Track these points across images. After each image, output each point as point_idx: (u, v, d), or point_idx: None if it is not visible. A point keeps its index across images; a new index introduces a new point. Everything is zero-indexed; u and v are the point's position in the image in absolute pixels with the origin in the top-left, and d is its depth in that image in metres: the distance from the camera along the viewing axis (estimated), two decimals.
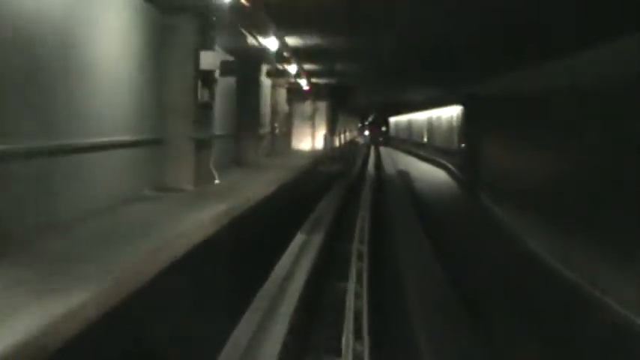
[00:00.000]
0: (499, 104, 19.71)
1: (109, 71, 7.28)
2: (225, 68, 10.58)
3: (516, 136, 17.12)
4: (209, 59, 9.50)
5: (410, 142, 44.74)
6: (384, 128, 69.19)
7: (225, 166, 13.80)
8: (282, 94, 23.53)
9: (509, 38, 12.13)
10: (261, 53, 13.85)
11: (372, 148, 50.05)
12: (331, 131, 25.81)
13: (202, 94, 9.67)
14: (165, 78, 9.16)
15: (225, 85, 14.31)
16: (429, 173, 28.39)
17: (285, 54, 13.52)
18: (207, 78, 9.77)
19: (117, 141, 7.49)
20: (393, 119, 61.32)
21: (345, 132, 37.43)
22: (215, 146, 12.35)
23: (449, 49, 14.64)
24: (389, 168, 30.63)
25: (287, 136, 23.98)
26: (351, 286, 6.66)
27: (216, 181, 10.40)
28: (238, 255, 7.17)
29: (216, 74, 10.39)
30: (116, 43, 7.55)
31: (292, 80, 22.35)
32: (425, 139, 37.87)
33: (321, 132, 24.16)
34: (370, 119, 71.73)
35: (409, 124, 45.86)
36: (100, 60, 7.03)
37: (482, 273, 10.14)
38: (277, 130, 22.85)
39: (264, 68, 17.52)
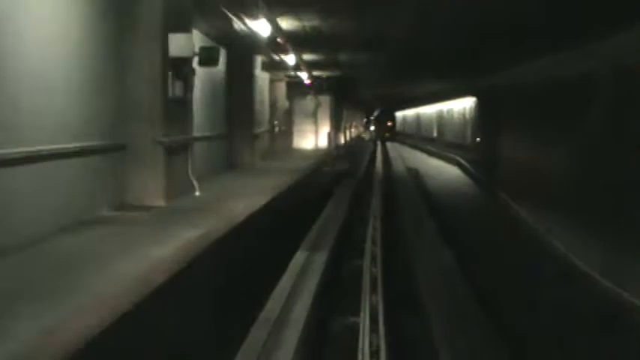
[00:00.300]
0: (519, 93, 17.89)
1: (39, 61, 5.49)
2: (205, 56, 8.77)
3: (540, 127, 15.30)
4: (181, 43, 7.67)
5: (418, 137, 42.86)
6: (390, 123, 67.35)
7: (215, 171, 12.03)
8: (282, 88, 21.72)
9: (532, 21, 10.39)
10: (252, 41, 12.05)
11: (379, 144, 48.24)
12: (335, 128, 23.96)
13: (174, 88, 7.87)
14: (126, 68, 7.35)
15: (212, 78, 12.53)
16: (441, 170, 26.51)
17: (278, 40, 11.67)
18: (180, 68, 7.96)
19: (53, 150, 5.70)
20: (400, 113, 59.45)
21: (350, 128, 35.58)
22: (201, 149, 10.60)
23: (464, 35, 12.83)
24: (398, 165, 28.77)
25: (287, 134, 22.18)
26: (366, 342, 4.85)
27: (197, 193, 8.61)
28: (208, 306, 5.37)
29: (195, 64, 8.61)
30: (50, 23, 5.74)
31: (292, 73, 20.53)
32: (435, 134, 35.99)
33: (325, 129, 22.33)
34: (376, 114, 69.88)
35: (417, 119, 43.98)
36: (26, 47, 5.24)
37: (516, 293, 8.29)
38: (277, 129, 21.08)
39: (259, 59, 15.69)
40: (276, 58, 15.67)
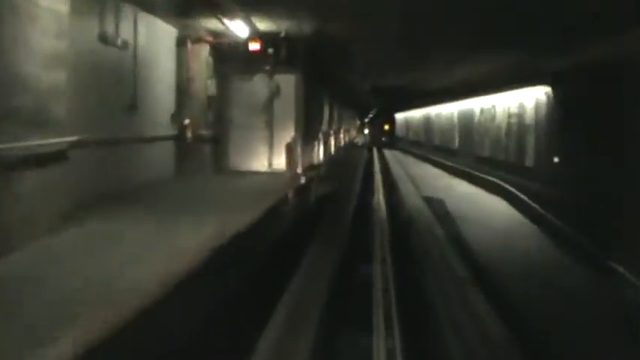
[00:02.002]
0: None
1: None
2: None
3: None
4: None
5: (429, 147, 32.63)
6: (387, 126, 57.53)
7: None
8: (201, 58, 11.52)
9: None
10: None
11: (375, 153, 38.18)
12: (307, 133, 13.65)
13: None
14: None
15: None
16: (479, 204, 16.25)
17: None
18: None
19: None
20: (401, 115, 49.28)
21: (338, 133, 25.18)
22: None
23: None
24: (407, 191, 18.49)
25: (217, 144, 11.96)
26: None
27: None
28: None
29: None
30: None
31: (219, 26, 10.38)
32: (456, 144, 25.77)
33: (288, 134, 11.92)
34: (371, 115, 59.80)
35: (427, 122, 33.74)
36: None
37: None
38: (188, 134, 10.88)
39: None
40: None
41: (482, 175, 19.73)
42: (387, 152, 42.01)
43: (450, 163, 25.16)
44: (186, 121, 10.78)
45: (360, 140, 58.27)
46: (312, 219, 10.68)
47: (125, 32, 8.56)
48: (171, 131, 10.64)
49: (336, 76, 18.54)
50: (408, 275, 8.29)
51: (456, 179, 22.15)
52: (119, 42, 8.17)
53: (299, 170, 12.05)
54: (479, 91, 20.35)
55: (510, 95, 17.44)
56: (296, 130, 12.33)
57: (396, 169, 25.98)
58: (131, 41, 8.77)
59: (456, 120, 25.64)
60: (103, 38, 7.73)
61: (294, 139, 11.49)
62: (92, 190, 7.27)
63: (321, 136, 15.69)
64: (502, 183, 17.24)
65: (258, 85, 12.30)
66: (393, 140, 52.15)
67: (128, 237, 5.83)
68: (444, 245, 10.65)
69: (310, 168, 13.75)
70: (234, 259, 6.18)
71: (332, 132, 19.40)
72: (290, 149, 10.75)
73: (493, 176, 18.66)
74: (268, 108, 12.36)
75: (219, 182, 10.88)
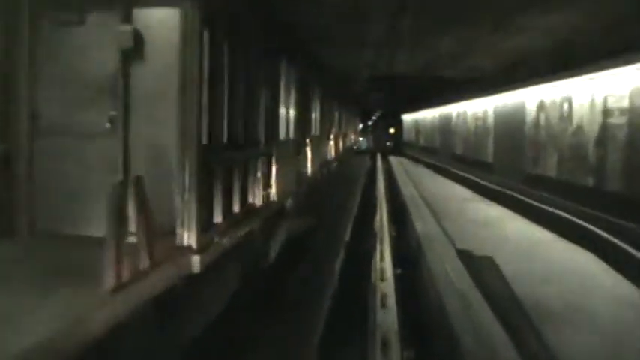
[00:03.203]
0: None
1: None
2: None
3: None
4: None
5: (446, 156, 25.54)
6: (392, 130, 51.03)
7: None
8: None
9: None
10: None
11: (379, 162, 31.26)
12: (229, 143, 6.46)
13: None
14: None
15: None
16: (554, 265, 9.08)
17: None
18: None
19: None
20: (409, 117, 42.33)
21: (324, 140, 18.07)
22: None
23: None
24: (430, 233, 11.34)
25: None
26: None
27: None
28: None
29: None
30: None
31: None
32: (490, 155, 18.66)
33: (162, 150, 5.03)
34: (375, 118, 52.98)
35: (445, 124, 26.61)
36: None
37: None
38: None
39: None
40: None
41: (543, 207, 12.63)
42: (393, 161, 35.01)
43: (482, 182, 18.03)
44: None
45: (363, 145, 51.88)
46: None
47: None
48: None
49: (313, 49, 11.51)
50: None
51: (497, 207, 14.98)
52: None
53: (189, 239, 4.97)
54: (538, 76, 13.22)
55: (605, 78, 10.33)
56: (182, 136, 5.19)
57: (407, 189, 18.84)
58: None
59: (491, 120, 18.51)
60: None
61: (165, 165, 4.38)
62: None
63: (274, 150, 8.38)
64: (593, 227, 10.11)
65: (93, 37, 5.24)
66: (400, 145, 45.66)
67: None
68: None
69: (244, 216, 6.65)
70: None
71: (308, 141, 12.26)
72: (141, 192, 3.72)
73: (564, 210, 11.57)
74: (117, 87, 5.27)
75: None
